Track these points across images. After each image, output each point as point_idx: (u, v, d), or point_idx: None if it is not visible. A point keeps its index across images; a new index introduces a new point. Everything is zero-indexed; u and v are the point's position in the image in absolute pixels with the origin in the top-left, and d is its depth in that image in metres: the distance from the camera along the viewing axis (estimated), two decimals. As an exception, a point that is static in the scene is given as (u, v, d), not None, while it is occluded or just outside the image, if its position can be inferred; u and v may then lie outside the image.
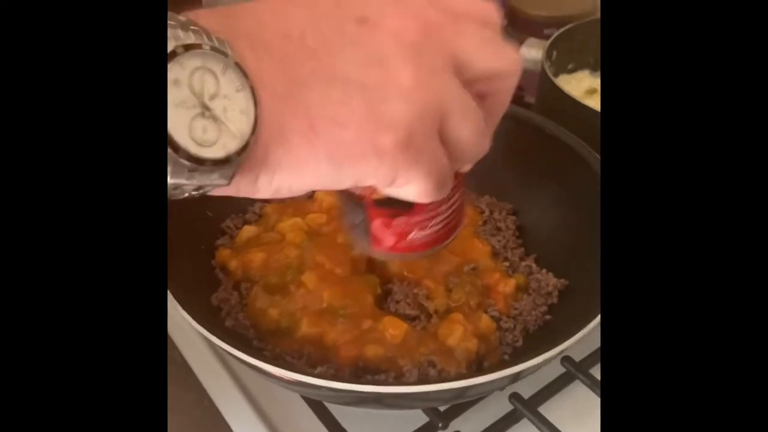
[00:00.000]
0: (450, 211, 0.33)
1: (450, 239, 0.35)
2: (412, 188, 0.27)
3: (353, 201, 0.33)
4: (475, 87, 0.28)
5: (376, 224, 0.33)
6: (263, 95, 0.24)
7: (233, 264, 0.49)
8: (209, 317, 0.44)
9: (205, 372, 0.49)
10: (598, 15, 0.73)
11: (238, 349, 0.37)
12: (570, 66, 0.72)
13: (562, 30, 0.68)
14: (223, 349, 0.38)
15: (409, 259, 0.35)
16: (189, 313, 0.39)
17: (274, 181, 0.25)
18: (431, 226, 0.33)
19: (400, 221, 0.32)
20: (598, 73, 0.72)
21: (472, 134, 0.27)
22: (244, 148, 0.23)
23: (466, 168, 0.31)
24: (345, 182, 0.26)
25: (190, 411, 0.48)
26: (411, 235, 0.33)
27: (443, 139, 0.27)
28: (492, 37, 0.28)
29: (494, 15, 0.29)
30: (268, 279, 0.46)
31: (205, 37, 0.23)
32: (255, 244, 0.49)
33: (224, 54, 0.23)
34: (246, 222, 0.54)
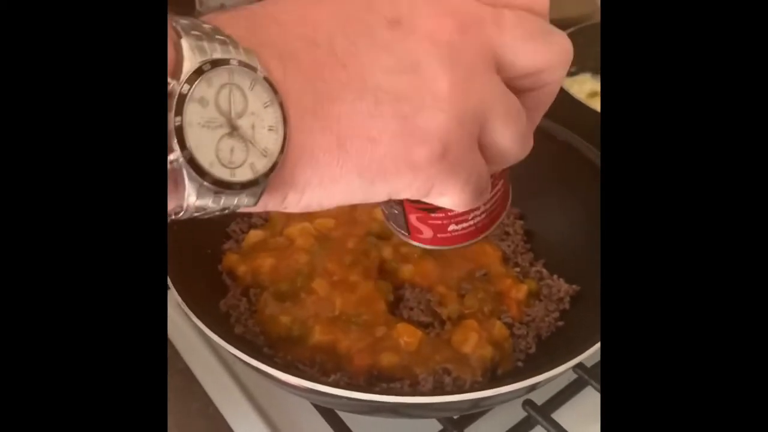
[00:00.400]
0: (491, 203, 0.32)
1: (492, 228, 0.33)
2: (448, 199, 0.26)
3: None
4: (520, 83, 0.26)
5: (413, 218, 0.32)
6: (291, 110, 0.22)
7: (242, 269, 0.48)
8: (219, 324, 0.43)
9: (210, 380, 0.48)
10: (598, 18, 0.73)
11: (255, 357, 0.36)
12: (572, 69, 0.71)
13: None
14: (237, 357, 0.37)
15: (451, 248, 0.33)
16: (201, 320, 0.38)
17: (303, 199, 0.24)
18: (471, 219, 0.32)
19: (438, 216, 0.31)
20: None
21: (515, 138, 0.26)
22: (273, 168, 0.22)
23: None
24: (377, 196, 0.25)
25: (195, 420, 0.47)
26: (450, 228, 0.32)
27: (483, 144, 0.25)
28: (537, 27, 0.26)
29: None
30: (278, 286, 0.46)
31: (231, 48, 0.21)
32: (262, 249, 0.49)
33: (252, 68, 0.22)
34: (252, 226, 0.53)
